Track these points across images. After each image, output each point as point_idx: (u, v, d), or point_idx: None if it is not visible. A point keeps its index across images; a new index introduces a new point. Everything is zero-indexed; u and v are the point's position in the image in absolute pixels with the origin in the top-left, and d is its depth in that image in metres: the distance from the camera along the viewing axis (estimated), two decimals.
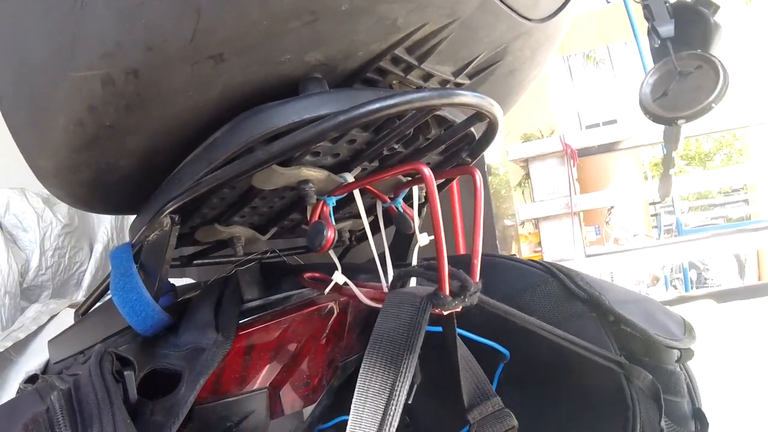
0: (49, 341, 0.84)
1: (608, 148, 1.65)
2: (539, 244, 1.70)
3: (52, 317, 1.10)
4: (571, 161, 1.62)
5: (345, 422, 0.74)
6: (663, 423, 0.61)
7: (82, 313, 0.72)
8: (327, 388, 0.70)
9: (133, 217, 0.61)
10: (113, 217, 1.46)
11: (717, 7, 0.59)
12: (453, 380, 0.66)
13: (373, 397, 0.44)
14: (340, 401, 0.76)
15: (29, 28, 0.46)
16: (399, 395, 0.43)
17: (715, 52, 0.58)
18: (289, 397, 0.66)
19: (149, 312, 0.54)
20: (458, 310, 0.49)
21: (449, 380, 0.65)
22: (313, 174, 0.49)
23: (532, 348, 0.67)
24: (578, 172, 1.88)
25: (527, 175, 1.73)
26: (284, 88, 0.46)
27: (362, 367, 0.45)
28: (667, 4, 0.59)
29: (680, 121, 0.60)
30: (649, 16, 0.59)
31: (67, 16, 0.42)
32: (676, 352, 0.64)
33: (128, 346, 0.58)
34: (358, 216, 0.68)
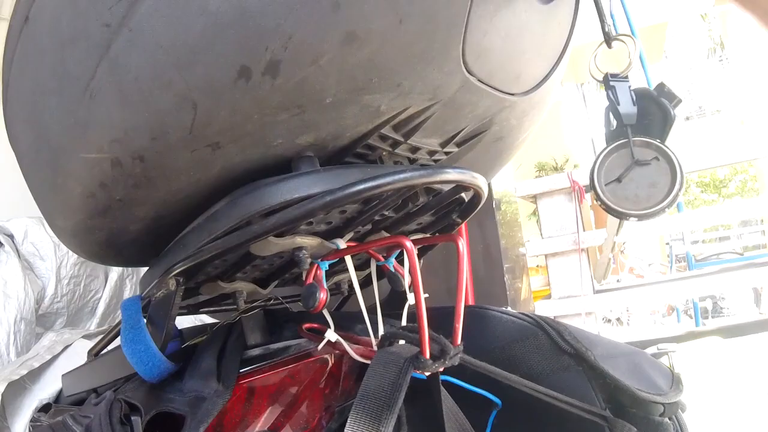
0: (63, 375, 0.90)
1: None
2: (548, 279, 1.74)
3: (66, 347, 1.16)
4: (579, 197, 1.65)
5: None
6: None
7: (95, 354, 0.78)
8: (325, 430, 0.75)
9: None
10: None
11: (679, 101, 0.62)
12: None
13: None
14: None
15: (47, 103, 0.51)
16: None
17: (670, 144, 0.61)
18: None
19: (156, 362, 0.60)
20: (439, 371, 0.54)
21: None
22: (307, 241, 0.55)
23: (523, 397, 0.72)
24: (594, 209, 1.90)
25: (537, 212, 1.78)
26: (278, 166, 0.52)
27: (348, 421, 0.51)
28: (631, 90, 0.63)
29: (631, 219, 0.63)
30: (613, 98, 0.62)
31: (78, 101, 0.47)
32: (660, 407, 0.68)
33: (136, 391, 0.64)
34: (356, 268, 0.74)
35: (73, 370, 0.86)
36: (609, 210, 0.63)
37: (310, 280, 0.57)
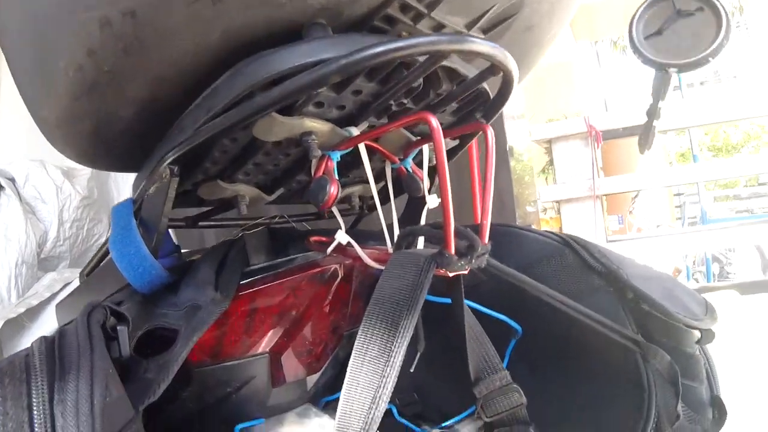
0: (57, 305, 0.84)
1: (633, 131, 1.60)
2: (561, 229, 1.66)
3: (65, 285, 1.10)
4: (596, 143, 1.57)
5: None
6: (680, 408, 0.58)
7: (87, 274, 0.71)
8: (332, 357, 0.69)
9: None
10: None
11: None
12: (462, 356, 0.64)
13: (371, 358, 0.42)
14: (344, 374, 0.74)
15: None
16: (397, 355, 0.41)
17: None
18: (291, 363, 0.64)
19: (147, 267, 0.53)
20: (465, 271, 0.47)
21: (459, 356, 0.63)
22: (316, 126, 0.47)
23: (545, 324, 0.65)
24: (603, 159, 1.83)
25: (551, 161, 1.69)
26: (287, 33, 0.44)
27: (362, 326, 0.44)
28: None
29: (672, 70, 0.56)
30: None
31: None
32: (697, 333, 0.61)
33: (127, 304, 0.57)
34: (375, 179, 0.67)
35: (66, 297, 0.80)
36: (648, 62, 0.56)
37: (320, 172, 0.50)
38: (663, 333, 0.61)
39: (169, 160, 0.47)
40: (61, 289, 1.10)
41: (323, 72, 0.40)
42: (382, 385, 0.41)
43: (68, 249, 1.35)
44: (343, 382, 0.75)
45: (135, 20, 0.41)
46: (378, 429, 0.42)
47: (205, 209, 0.67)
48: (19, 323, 1.07)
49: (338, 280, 0.60)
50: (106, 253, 0.68)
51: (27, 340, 1.06)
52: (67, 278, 1.13)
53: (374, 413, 0.41)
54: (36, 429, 0.36)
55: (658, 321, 0.62)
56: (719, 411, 0.61)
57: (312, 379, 0.70)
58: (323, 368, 0.69)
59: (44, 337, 0.44)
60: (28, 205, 1.34)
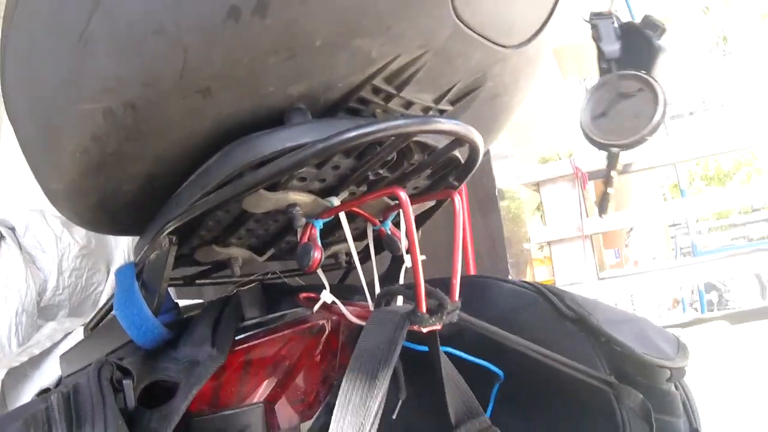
0: (60, 356, 0.89)
1: (621, 170, 1.67)
2: (552, 268, 1.72)
3: (66, 335, 1.16)
4: (582, 184, 1.64)
5: None
6: None
7: (91, 328, 0.77)
8: (324, 405, 0.74)
9: None
10: (130, 239, 1.52)
11: (663, 30, 0.61)
12: (442, 409, 0.69)
13: (352, 408, 0.48)
14: None
15: (41, 60, 0.51)
16: (373, 405, 0.47)
17: (657, 75, 0.61)
18: (285, 412, 0.69)
19: (149, 326, 0.59)
20: (437, 327, 0.53)
21: (443, 401, 0.68)
22: (300, 198, 0.54)
23: (526, 367, 0.70)
24: (596, 195, 1.89)
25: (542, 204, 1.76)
26: (270, 118, 0.51)
27: (344, 379, 0.49)
28: (615, 25, 0.62)
29: (614, 150, 0.62)
30: (596, 36, 0.62)
31: (71, 52, 0.47)
32: (667, 372, 0.67)
33: (131, 359, 0.63)
34: (354, 239, 0.73)
35: (70, 349, 0.85)
36: (594, 143, 0.62)
37: (305, 239, 0.56)
38: (638, 372, 0.67)
39: (167, 231, 0.54)
40: (63, 339, 1.15)
41: (303, 155, 0.46)
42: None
43: (67, 297, 1.40)
44: None
45: (135, 111, 0.47)
46: None
47: (202, 268, 0.73)
48: (21, 372, 1.12)
49: (326, 333, 0.66)
50: (110, 309, 0.74)
51: (29, 387, 1.12)
52: (67, 328, 1.18)
53: None
54: None
55: (632, 362, 0.67)
56: None
57: (305, 426, 0.75)
58: (316, 415, 0.74)
59: (61, 392, 0.50)
60: (28, 255, 1.39)
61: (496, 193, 1.36)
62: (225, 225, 0.60)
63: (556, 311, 0.67)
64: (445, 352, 0.67)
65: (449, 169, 0.64)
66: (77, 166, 0.54)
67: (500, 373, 0.72)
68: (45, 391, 1.02)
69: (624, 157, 1.81)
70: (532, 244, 1.72)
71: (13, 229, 1.40)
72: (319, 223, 0.56)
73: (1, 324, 1.29)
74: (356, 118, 0.54)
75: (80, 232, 1.44)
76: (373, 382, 0.48)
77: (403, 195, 0.49)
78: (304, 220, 0.55)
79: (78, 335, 1.16)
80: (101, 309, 0.74)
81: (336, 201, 0.56)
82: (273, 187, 0.52)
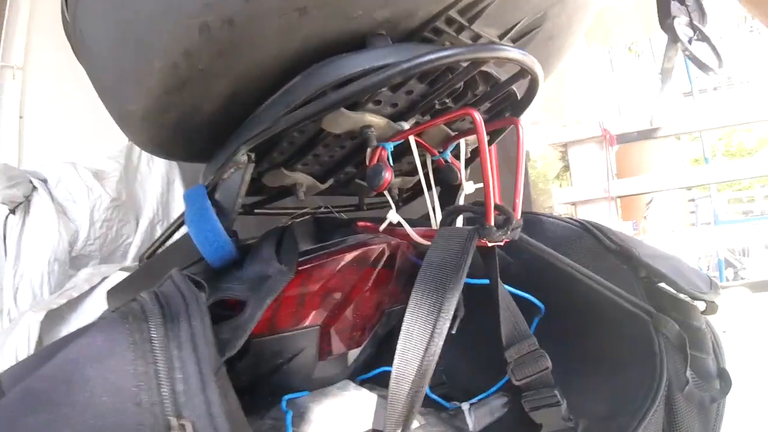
0: (108, 291, 0.93)
1: (647, 134, 1.71)
2: None
3: (103, 279, 1.21)
4: (610, 146, 1.69)
5: (386, 373, 0.83)
6: (688, 374, 0.68)
7: (148, 256, 0.82)
8: (372, 334, 0.79)
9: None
10: (159, 193, 1.57)
11: None
12: (488, 341, 0.74)
13: (424, 313, 0.51)
14: (382, 352, 0.85)
15: None
16: (447, 310, 0.50)
17: None
18: (337, 337, 0.74)
19: (221, 243, 0.63)
20: (501, 243, 0.58)
21: (486, 342, 0.73)
22: (375, 120, 0.58)
23: (566, 301, 0.75)
24: (618, 164, 1.94)
25: (565, 168, 1.80)
26: (353, 42, 0.55)
27: (414, 288, 0.52)
28: None
29: None
30: None
31: None
32: (701, 306, 0.72)
33: (197, 274, 0.67)
34: (408, 174, 0.78)
35: (121, 282, 0.89)
36: None
37: (375, 161, 0.61)
38: (672, 308, 0.71)
39: (248, 148, 0.58)
40: (100, 282, 1.20)
41: (388, 74, 0.51)
42: (436, 336, 0.49)
43: (98, 248, 1.46)
44: (378, 362, 0.85)
45: (232, 27, 0.51)
46: None
47: (259, 198, 0.78)
48: (59, 314, 1.17)
49: (384, 258, 0.71)
50: (168, 236, 0.79)
51: (67, 329, 1.16)
52: (104, 272, 1.23)
53: (429, 361, 0.49)
54: (158, 358, 0.43)
55: (668, 297, 0.72)
56: (725, 381, 0.71)
57: (353, 355, 0.80)
58: (363, 345, 0.79)
59: (146, 290, 0.54)
60: (60, 206, 1.44)
61: (526, 155, 1.40)
62: (297, 147, 0.64)
63: (600, 245, 0.72)
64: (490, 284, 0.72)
65: (506, 104, 0.68)
66: (163, 83, 0.57)
67: (541, 306, 0.77)
68: None
69: (651, 122, 1.88)
70: (558, 205, 1.76)
71: (45, 181, 1.44)
72: (390, 146, 0.61)
73: (34, 272, 1.34)
74: (433, 45, 0.59)
75: (111, 184, 1.48)
76: (443, 292, 0.50)
77: (477, 115, 0.54)
78: (376, 142, 0.59)
79: (114, 280, 1.21)
80: (160, 237, 0.79)
81: (406, 125, 0.61)
82: (351, 107, 0.57)
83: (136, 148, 1.57)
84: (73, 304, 1.18)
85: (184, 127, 0.64)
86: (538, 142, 1.78)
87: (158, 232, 1.55)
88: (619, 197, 1.76)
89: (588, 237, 0.73)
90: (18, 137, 1.72)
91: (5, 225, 1.39)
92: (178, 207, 1.60)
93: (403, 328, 0.52)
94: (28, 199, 1.41)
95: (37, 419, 0.35)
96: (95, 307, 1.17)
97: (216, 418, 0.40)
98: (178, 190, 1.62)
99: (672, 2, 0.70)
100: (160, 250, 0.81)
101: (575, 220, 0.76)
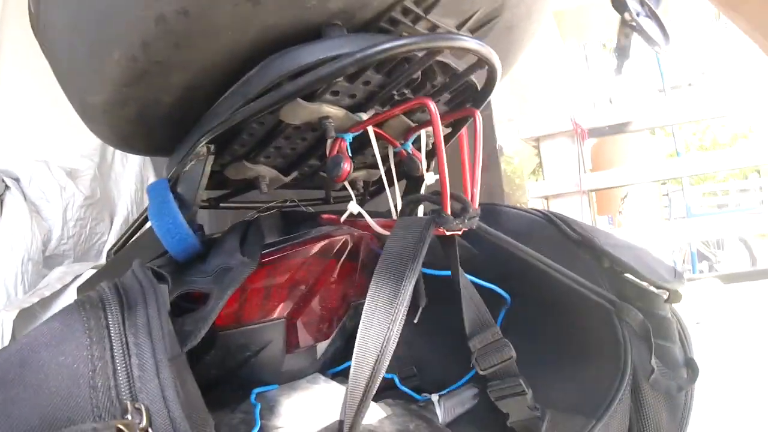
0: (78, 287, 0.93)
1: (618, 129, 1.73)
2: None
3: (76, 277, 1.21)
4: (581, 140, 1.70)
5: None
6: (653, 362, 0.69)
7: (115, 251, 0.82)
8: (340, 327, 0.80)
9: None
10: (133, 190, 1.57)
11: None
12: (458, 333, 0.75)
13: (382, 303, 0.52)
14: (351, 346, 0.85)
15: None
16: (403, 298, 0.50)
17: None
18: (305, 330, 0.75)
19: (183, 235, 0.63)
20: (459, 232, 0.58)
21: (455, 334, 0.74)
22: (333, 111, 0.59)
23: (531, 291, 0.76)
24: (593, 160, 1.96)
25: (540, 164, 1.82)
26: (308, 33, 0.56)
27: (373, 277, 0.53)
28: None
29: None
30: None
31: None
32: (664, 295, 0.73)
33: (161, 267, 0.68)
34: (372, 166, 0.78)
35: (91, 276, 0.89)
36: None
37: (335, 152, 0.61)
38: (636, 297, 0.73)
39: (207, 140, 0.59)
40: (72, 281, 1.20)
41: (343, 63, 0.51)
42: (392, 323, 0.50)
43: (72, 247, 1.45)
44: (347, 356, 0.86)
45: (187, 18, 0.51)
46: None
47: (224, 192, 0.79)
48: (31, 313, 1.16)
49: (348, 249, 0.71)
50: (134, 231, 0.79)
51: None
52: (77, 271, 1.23)
53: (386, 347, 0.50)
54: (114, 344, 0.44)
55: (632, 286, 0.73)
56: (692, 370, 0.72)
57: (321, 348, 0.80)
58: (332, 336, 0.80)
59: (107, 283, 0.54)
60: (33, 205, 1.44)
61: (497, 149, 1.42)
62: (258, 139, 0.64)
63: (563, 235, 0.73)
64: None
65: (466, 96, 0.69)
66: (122, 75, 0.58)
67: (507, 297, 0.78)
68: None
69: (623, 115, 1.90)
70: (531, 199, 1.78)
71: (17, 180, 1.44)
72: (349, 137, 0.61)
73: (8, 272, 1.33)
74: (388, 35, 0.59)
75: (84, 182, 1.48)
76: (400, 281, 0.51)
77: (432, 105, 0.55)
78: (335, 133, 0.60)
79: (86, 278, 1.21)
80: (126, 232, 0.79)
81: (365, 116, 0.61)
82: (309, 98, 0.57)
83: (110, 147, 1.57)
84: (45, 303, 1.18)
85: (145, 120, 0.64)
86: (513, 138, 1.80)
87: None
88: (592, 191, 1.78)
89: (550, 227, 0.75)
90: None
91: None
92: None
93: (363, 316, 0.53)
94: (0, 198, 1.40)
95: None
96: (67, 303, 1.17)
97: (170, 402, 0.41)
98: None
99: None
100: (127, 245, 0.81)
101: (539, 211, 0.77)
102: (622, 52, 0.93)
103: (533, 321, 0.78)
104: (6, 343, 1.12)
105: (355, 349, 0.52)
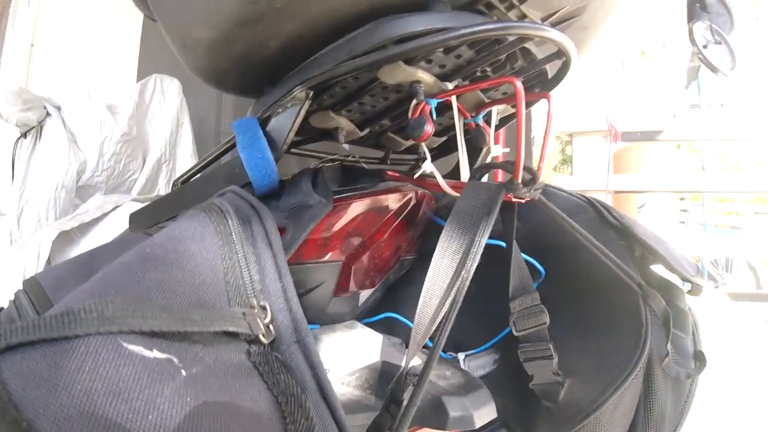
0: (131, 214, 1.00)
1: (650, 136, 1.82)
2: None
3: (115, 207, 1.29)
4: (614, 142, 1.79)
5: (390, 319, 0.93)
6: (669, 347, 0.78)
7: (182, 182, 0.89)
8: (384, 278, 0.89)
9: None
10: (168, 134, 1.65)
11: None
12: (486, 301, 0.83)
13: (451, 253, 0.59)
14: (389, 297, 0.94)
15: None
16: (476, 250, 0.57)
17: None
18: (355, 275, 0.84)
19: (268, 171, 0.71)
20: (523, 200, 0.68)
21: (479, 300, 0.83)
22: (425, 77, 0.68)
23: (565, 267, 0.85)
24: (615, 164, 2.04)
25: (563, 161, 1.91)
26: (414, 5, 0.64)
27: (443, 232, 0.60)
28: None
29: None
30: None
31: None
32: (686, 287, 0.82)
33: None
34: (435, 134, 0.87)
35: (149, 204, 0.96)
36: None
37: (417, 114, 0.70)
38: (660, 287, 0.82)
39: (305, 87, 0.67)
40: (111, 210, 1.28)
41: (450, 35, 0.60)
42: (464, 270, 0.57)
43: (104, 180, 1.53)
44: (384, 307, 0.94)
45: None
46: None
47: (298, 139, 0.87)
48: (70, 237, 1.25)
49: (410, 207, 0.80)
50: (208, 164, 0.87)
51: (76, 252, 1.24)
52: (116, 201, 1.31)
53: (455, 294, 0.56)
54: (238, 249, 0.50)
55: (657, 278, 0.83)
56: (700, 362, 0.81)
57: (364, 296, 0.89)
58: (375, 287, 0.89)
59: (211, 199, 0.61)
60: (71, 134, 1.51)
61: (531, 136, 1.50)
62: (348, 92, 0.73)
63: (602, 219, 0.83)
64: (498, 245, 0.82)
65: (536, 81, 0.78)
66: (239, 15, 0.64)
67: (543, 270, 0.88)
68: None
69: (658, 124, 1.99)
70: None
71: (59, 108, 1.51)
72: (434, 102, 0.70)
73: (41, 197, 1.42)
74: (486, 16, 0.68)
75: (123, 119, 1.56)
76: (474, 232, 0.58)
77: (519, 83, 0.63)
78: (423, 97, 0.69)
79: (125, 209, 1.29)
80: (198, 163, 0.87)
81: (450, 86, 0.70)
82: (407, 63, 0.66)
83: (150, 86, 1.65)
84: (83, 228, 1.26)
85: (245, 61, 0.71)
86: (540, 132, 1.88)
87: (164, 171, 1.62)
88: (617, 192, 1.88)
89: (592, 211, 0.84)
90: (27, 64, 1.78)
91: (15, 148, 1.45)
92: (185, 149, 1.68)
93: (431, 264, 0.59)
94: (40, 125, 1.48)
95: (157, 275, 0.43)
96: (105, 232, 1.25)
97: (292, 303, 0.49)
98: (186, 133, 1.70)
99: (696, 8, 0.80)
100: (195, 177, 0.89)
101: (582, 196, 0.86)
102: (691, 72, 1.02)
103: (563, 298, 0.86)
104: (43, 262, 1.20)
105: (423, 291, 0.58)
